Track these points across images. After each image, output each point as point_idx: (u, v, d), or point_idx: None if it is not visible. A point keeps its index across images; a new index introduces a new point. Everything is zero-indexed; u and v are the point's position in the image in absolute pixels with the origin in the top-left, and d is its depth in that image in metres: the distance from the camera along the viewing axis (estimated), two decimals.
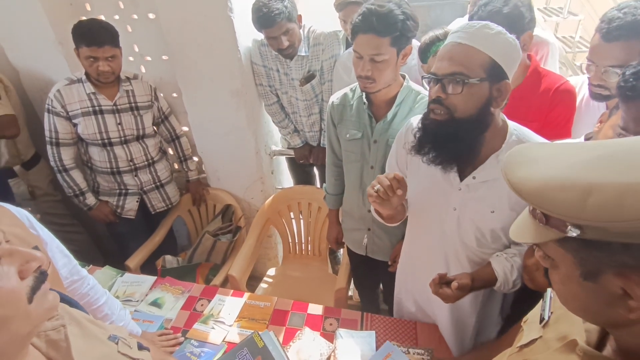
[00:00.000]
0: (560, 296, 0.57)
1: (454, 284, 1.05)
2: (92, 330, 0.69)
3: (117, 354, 0.70)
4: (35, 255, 0.52)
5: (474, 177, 1.05)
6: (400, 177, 1.03)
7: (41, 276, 0.53)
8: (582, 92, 1.57)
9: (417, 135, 1.08)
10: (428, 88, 1.04)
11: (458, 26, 0.99)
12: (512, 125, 1.06)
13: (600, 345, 0.58)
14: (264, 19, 1.73)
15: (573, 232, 0.46)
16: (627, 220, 0.41)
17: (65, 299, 0.72)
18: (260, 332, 1.09)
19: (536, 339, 0.69)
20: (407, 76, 1.42)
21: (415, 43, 1.86)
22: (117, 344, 0.72)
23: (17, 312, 0.49)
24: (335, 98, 1.53)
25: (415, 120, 1.15)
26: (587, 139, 1.22)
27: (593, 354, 0.55)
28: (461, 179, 1.07)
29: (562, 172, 0.48)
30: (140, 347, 0.77)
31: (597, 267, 0.47)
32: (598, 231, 0.45)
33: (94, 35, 1.70)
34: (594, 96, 1.34)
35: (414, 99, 1.39)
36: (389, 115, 1.38)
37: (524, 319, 0.78)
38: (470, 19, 1.48)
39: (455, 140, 1.00)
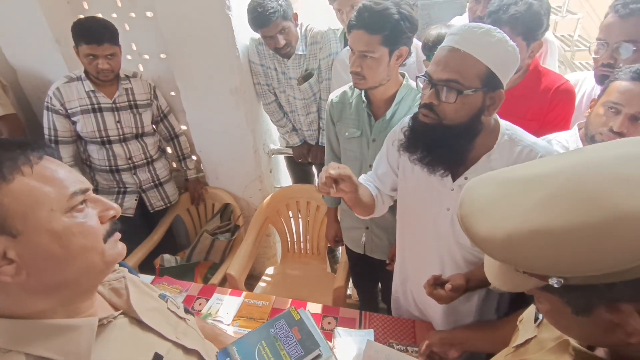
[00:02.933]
0: (552, 325, 0.55)
1: (448, 286, 1.04)
2: (144, 289, 0.80)
3: (166, 310, 0.79)
4: (113, 206, 0.65)
5: (466, 177, 1.05)
6: (335, 175, 0.98)
7: (115, 225, 0.65)
8: (583, 88, 1.57)
9: (406, 134, 1.08)
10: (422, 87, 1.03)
11: (458, 27, 0.96)
12: (504, 124, 1.05)
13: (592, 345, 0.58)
14: (259, 18, 1.72)
15: (556, 284, 0.44)
16: (608, 269, 0.40)
17: (124, 265, 0.82)
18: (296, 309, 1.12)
19: (531, 339, 0.69)
20: (406, 75, 1.42)
21: (417, 43, 1.86)
22: (166, 302, 0.81)
23: (95, 246, 0.60)
24: (334, 96, 1.52)
25: (406, 120, 1.15)
26: (580, 128, 1.24)
27: (585, 354, 0.55)
28: (453, 180, 1.07)
29: (521, 220, 0.45)
30: (187, 311, 0.86)
31: (587, 305, 0.46)
32: (581, 279, 0.43)
33: (93, 33, 1.69)
34: (600, 79, 1.35)
35: (413, 97, 1.39)
36: (388, 113, 1.38)
37: (520, 318, 0.78)
38: (489, 16, 1.44)
39: (442, 145, 1.00)
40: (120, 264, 0.80)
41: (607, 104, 1.08)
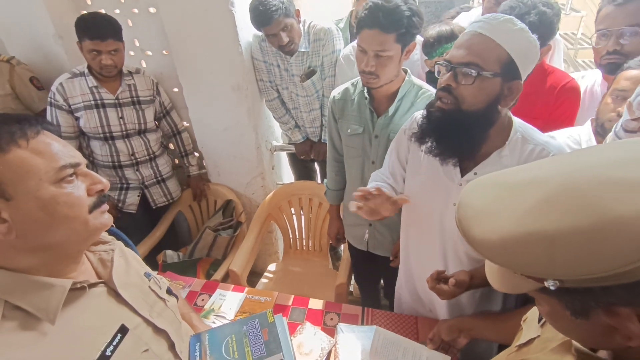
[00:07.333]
0: (553, 327, 0.55)
1: (452, 280, 1.05)
2: (134, 265, 0.85)
3: (147, 288, 0.84)
4: (101, 180, 0.70)
5: (475, 173, 1.04)
6: (375, 190, 1.06)
7: (103, 198, 0.71)
8: (584, 85, 1.57)
9: (420, 123, 1.08)
10: (431, 82, 1.03)
11: (481, 17, 0.97)
12: (517, 122, 1.05)
13: None
14: (261, 16, 1.72)
15: (552, 286, 0.44)
16: (600, 272, 0.40)
17: (123, 239, 0.89)
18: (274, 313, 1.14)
19: (534, 339, 0.69)
20: (409, 71, 1.41)
21: (419, 39, 1.86)
22: (149, 280, 0.86)
23: (78, 215, 0.66)
24: (336, 93, 1.52)
25: (419, 115, 1.15)
26: (592, 123, 1.25)
27: (588, 355, 0.54)
28: (462, 175, 1.07)
29: (516, 224, 0.46)
30: (169, 292, 0.90)
31: (584, 307, 0.45)
32: (576, 282, 0.43)
33: (97, 29, 1.69)
34: (608, 68, 1.36)
35: (415, 93, 1.38)
36: (391, 110, 1.38)
37: (524, 317, 0.78)
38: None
39: (457, 132, 0.99)
40: (121, 238, 0.89)
41: (614, 92, 1.12)
